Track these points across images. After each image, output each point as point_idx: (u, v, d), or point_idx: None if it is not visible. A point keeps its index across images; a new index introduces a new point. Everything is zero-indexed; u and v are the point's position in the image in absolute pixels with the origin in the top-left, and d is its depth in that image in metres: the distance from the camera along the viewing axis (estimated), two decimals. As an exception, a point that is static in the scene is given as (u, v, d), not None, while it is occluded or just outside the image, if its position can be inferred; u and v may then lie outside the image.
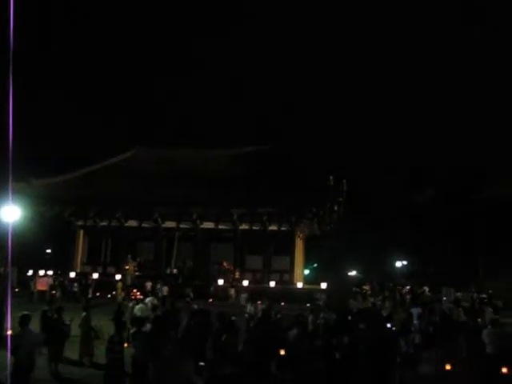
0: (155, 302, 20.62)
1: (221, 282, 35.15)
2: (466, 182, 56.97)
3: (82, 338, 15.47)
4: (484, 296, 36.62)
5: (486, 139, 59.90)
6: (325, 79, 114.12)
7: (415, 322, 18.75)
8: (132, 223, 40.34)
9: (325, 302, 27.70)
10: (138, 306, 18.82)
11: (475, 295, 37.20)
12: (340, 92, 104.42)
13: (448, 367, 12.68)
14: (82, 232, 42.09)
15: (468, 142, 61.49)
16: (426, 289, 41.08)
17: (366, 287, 41.52)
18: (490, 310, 23.33)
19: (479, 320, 19.42)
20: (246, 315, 19.56)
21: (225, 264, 38.25)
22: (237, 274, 37.14)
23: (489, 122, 74.26)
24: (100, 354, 13.87)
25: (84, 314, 15.96)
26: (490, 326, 14.55)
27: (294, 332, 13.22)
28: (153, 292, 28.01)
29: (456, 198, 55.97)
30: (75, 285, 32.81)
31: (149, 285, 30.65)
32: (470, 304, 29.71)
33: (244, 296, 28.83)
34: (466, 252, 52.07)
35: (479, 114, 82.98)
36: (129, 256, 38.17)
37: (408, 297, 35.07)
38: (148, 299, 20.68)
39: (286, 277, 38.01)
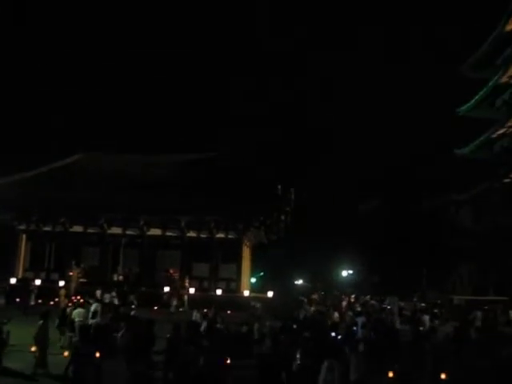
0: (98, 308, 20.22)
1: (167, 289, 34.88)
2: (412, 193, 58.41)
3: (39, 348, 14.33)
4: (423, 305, 37.66)
5: (427, 151, 61.61)
6: (271, 84, 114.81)
7: (360, 330, 19.11)
8: (77, 228, 39.59)
9: (262, 309, 27.83)
10: (75, 311, 18.55)
11: (417, 304, 38.20)
12: (289, 99, 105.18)
13: (391, 375, 12.93)
14: (24, 237, 40.96)
15: (412, 155, 62.92)
16: (368, 297, 41.87)
17: (314, 296, 41.99)
18: (427, 317, 24.19)
19: (421, 328, 20.02)
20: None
21: (171, 271, 37.99)
22: (184, 282, 36.93)
23: (429, 135, 76.44)
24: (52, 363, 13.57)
25: (41, 322, 14.83)
26: (432, 335, 15.00)
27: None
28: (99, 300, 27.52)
29: (401, 209, 57.34)
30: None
31: (98, 293, 30.05)
32: (411, 313, 30.54)
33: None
34: (410, 262, 53.31)
35: (420, 127, 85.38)
36: (73, 262, 37.38)
37: (354, 306, 35.61)
38: (94, 305, 20.26)
39: (233, 285, 38.04)
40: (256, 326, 18.79)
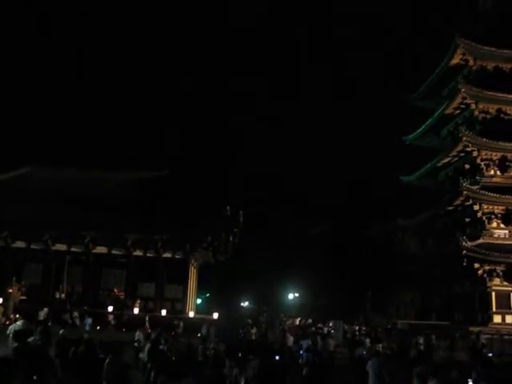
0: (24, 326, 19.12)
1: (110, 308, 34.18)
2: (359, 218, 59.41)
3: None
4: (364, 328, 38.17)
5: (375, 178, 63.23)
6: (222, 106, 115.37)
7: (304, 353, 19.14)
8: (20, 244, 38.41)
9: (206, 331, 27.55)
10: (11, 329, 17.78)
11: (359, 328, 38.71)
12: (236, 122, 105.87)
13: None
14: (-38, 251, 39.44)
15: (360, 181, 64.41)
16: (311, 321, 42.18)
17: (261, 318, 41.97)
18: (368, 340, 24.52)
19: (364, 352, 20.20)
20: (136, 344, 19.12)
21: (116, 291, 37.28)
22: (128, 302, 36.29)
23: (378, 162, 78.35)
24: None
25: None
26: (373, 358, 15.12)
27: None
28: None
29: (348, 234, 58.17)
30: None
31: (42, 313, 29.06)
32: (351, 336, 30.89)
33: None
34: (355, 286, 54.00)
35: (370, 154, 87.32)
36: (13, 279, 36.17)
37: (298, 329, 35.77)
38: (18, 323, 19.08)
39: (179, 306, 37.59)
40: (200, 347, 18.57)
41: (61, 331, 18.12)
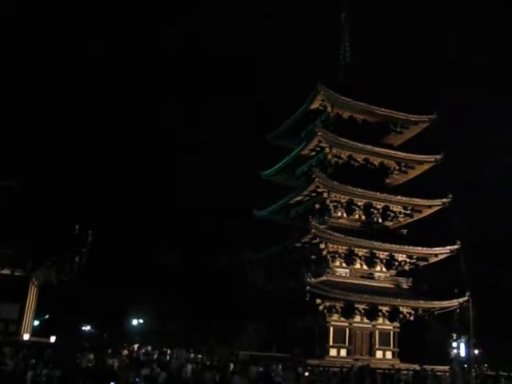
0: None
1: None
2: (210, 249, 59.79)
3: None
4: (205, 359, 38.03)
5: (230, 211, 64.34)
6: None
7: (141, 381, 18.69)
8: None
9: (50, 356, 26.07)
10: None
11: (201, 357, 38.58)
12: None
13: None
14: None
15: (214, 212, 65.35)
16: (150, 348, 41.50)
17: (102, 343, 40.50)
18: (209, 374, 24.61)
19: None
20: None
21: None
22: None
23: (235, 195, 79.80)
24: None
25: None
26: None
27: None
28: None
29: (196, 263, 58.21)
30: None
31: None
32: (195, 366, 30.66)
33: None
34: (201, 316, 54.00)
35: (228, 186, 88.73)
36: None
37: (136, 355, 34.95)
38: None
39: (12, 327, 35.04)
40: (29, 374, 17.43)
41: None
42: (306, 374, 30.93)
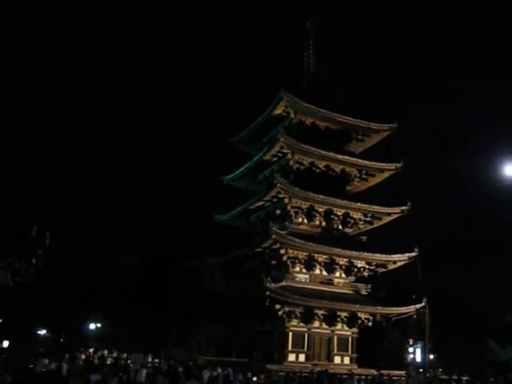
0: None
1: None
2: (168, 253, 59.29)
3: None
4: (163, 364, 37.81)
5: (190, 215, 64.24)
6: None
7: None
8: None
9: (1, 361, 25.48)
10: None
11: (159, 362, 38.30)
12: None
13: None
14: None
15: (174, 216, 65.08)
16: (106, 352, 40.98)
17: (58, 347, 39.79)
18: (161, 377, 24.46)
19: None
20: None
21: None
22: None
23: (195, 200, 79.68)
24: None
25: None
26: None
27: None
28: None
29: (156, 268, 57.64)
30: None
31: None
32: (151, 371, 30.41)
33: None
34: (160, 320, 53.46)
35: (188, 192, 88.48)
36: None
37: (91, 360, 34.47)
38: None
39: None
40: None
41: None
42: (255, 378, 30.97)
